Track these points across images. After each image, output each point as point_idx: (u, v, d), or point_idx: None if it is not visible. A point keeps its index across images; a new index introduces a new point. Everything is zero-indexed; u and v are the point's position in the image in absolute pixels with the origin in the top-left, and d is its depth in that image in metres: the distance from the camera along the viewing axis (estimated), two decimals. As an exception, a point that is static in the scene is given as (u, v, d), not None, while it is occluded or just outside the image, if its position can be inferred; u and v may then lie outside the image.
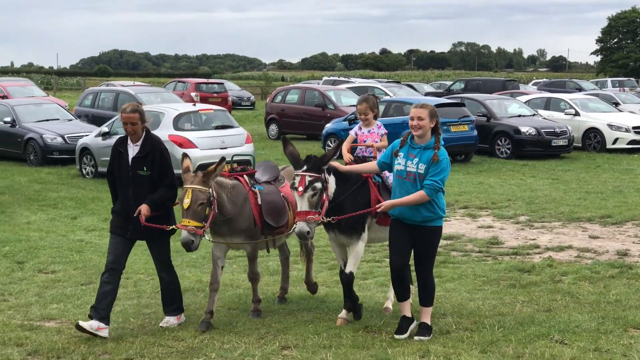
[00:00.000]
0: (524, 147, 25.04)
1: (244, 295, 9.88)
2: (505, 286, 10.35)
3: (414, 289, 8.99)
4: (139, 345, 8.03)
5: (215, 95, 42.10)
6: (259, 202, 8.78)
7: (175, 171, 8.75)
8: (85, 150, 21.11)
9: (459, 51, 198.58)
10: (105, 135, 20.52)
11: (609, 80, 58.52)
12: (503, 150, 25.34)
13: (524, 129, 25.08)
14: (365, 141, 9.09)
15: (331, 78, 50.81)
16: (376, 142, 9.05)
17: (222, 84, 46.73)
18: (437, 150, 7.91)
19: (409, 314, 8.24)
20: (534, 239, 13.50)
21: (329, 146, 25.05)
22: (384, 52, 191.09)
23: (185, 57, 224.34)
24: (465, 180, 20.45)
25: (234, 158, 9.98)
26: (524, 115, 26.39)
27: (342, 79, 48.97)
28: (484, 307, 9.31)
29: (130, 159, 8.44)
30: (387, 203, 8.08)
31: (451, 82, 52.73)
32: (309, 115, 30.55)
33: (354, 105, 26.26)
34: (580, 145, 27.08)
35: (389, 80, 54.99)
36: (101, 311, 8.32)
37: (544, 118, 26.79)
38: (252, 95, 54.31)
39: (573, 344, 7.88)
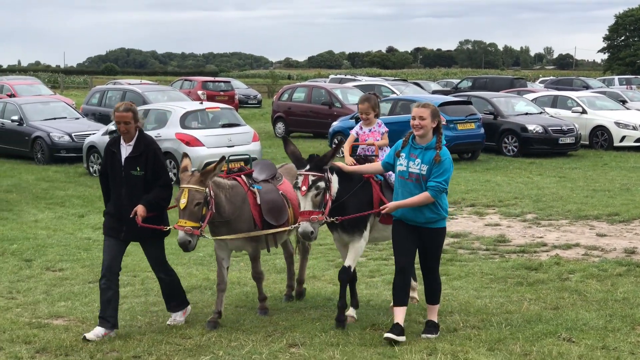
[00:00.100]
0: (531, 145, 25.00)
1: (251, 293, 9.89)
2: (512, 284, 10.34)
3: (416, 284, 9.00)
4: (146, 343, 8.05)
5: (222, 93, 42.08)
6: (258, 201, 8.70)
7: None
8: (92, 148, 21.14)
9: (465, 49, 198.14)
10: (112, 133, 20.52)
11: (616, 78, 58.34)
12: (510, 148, 25.30)
13: (531, 127, 25.04)
14: (366, 140, 9.05)
15: (338, 76, 50.87)
16: (377, 140, 9.00)
17: (229, 82, 46.69)
18: (439, 151, 7.85)
19: (402, 323, 7.98)
20: (541, 237, 13.48)
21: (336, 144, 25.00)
22: (390, 50, 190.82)
23: (192, 55, 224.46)
24: (472, 178, 20.43)
25: (231, 158, 9.88)
26: (531, 113, 26.34)
27: (348, 77, 49.00)
28: (491, 305, 9.30)
29: (123, 159, 8.34)
30: (391, 205, 8.01)
31: (458, 80, 52.65)
32: (315, 113, 30.53)
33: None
34: (587, 143, 27.02)
35: (396, 78, 54.84)
36: (110, 319, 8.34)
37: (551, 116, 26.73)
38: (258, 93, 54.28)
39: (581, 342, 7.88)
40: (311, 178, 7.98)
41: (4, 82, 41.38)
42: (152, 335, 8.31)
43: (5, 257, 12.19)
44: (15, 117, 24.23)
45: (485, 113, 25.41)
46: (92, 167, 21.16)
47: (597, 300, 9.47)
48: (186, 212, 8.01)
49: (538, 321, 8.55)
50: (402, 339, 7.86)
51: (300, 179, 8.03)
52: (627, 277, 10.66)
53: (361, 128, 9.13)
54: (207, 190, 8.14)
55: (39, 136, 23.48)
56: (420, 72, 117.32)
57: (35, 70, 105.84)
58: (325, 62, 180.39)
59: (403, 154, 8.01)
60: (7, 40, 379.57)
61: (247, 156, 9.89)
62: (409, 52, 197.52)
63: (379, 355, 7.60)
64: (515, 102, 27.50)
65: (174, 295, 8.82)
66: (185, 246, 8.05)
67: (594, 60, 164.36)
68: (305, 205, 7.99)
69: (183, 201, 8.01)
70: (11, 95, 34.01)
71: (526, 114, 26.25)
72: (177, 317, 8.79)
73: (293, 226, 8.80)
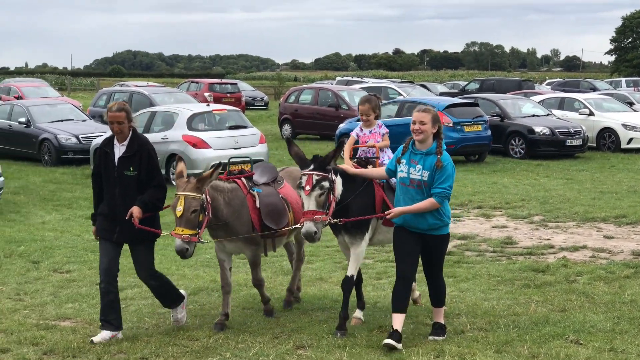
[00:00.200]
0: (538, 147, 24.98)
1: (258, 295, 9.86)
2: (519, 286, 10.33)
3: (415, 285, 8.95)
4: (153, 345, 8.05)
5: (228, 95, 42.17)
6: (258, 205, 8.61)
7: (193, 171, 8.70)
8: (99, 150, 21.12)
9: (472, 51, 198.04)
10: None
11: (623, 80, 58.24)
12: (517, 150, 25.28)
13: (538, 129, 25.01)
14: (367, 142, 8.96)
15: (344, 78, 50.82)
16: (378, 142, 8.92)
17: (236, 84, 46.77)
18: (440, 156, 7.76)
19: (400, 329, 7.87)
20: (548, 239, 13.46)
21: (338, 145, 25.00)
22: (397, 52, 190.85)
23: (199, 57, 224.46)
24: (479, 180, 20.42)
25: (232, 160, 9.82)
26: (537, 115, 26.32)
27: (355, 79, 48.97)
28: (499, 307, 9.29)
29: (116, 159, 8.27)
30: (396, 210, 7.89)
31: (465, 82, 52.61)
32: (322, 115, 30.55)
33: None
34: (594, 145, 26.98)
35: (403, 80, 54.86)
36: (114, 321, 8.32)
37: (558, 118, 26.71)
38: (265, 95, 54.36)
39: (588, 344, 7.86)
40: (315, 177, 7.92)
41: (11, 84, 41.54)
42: (160, 337, 8.31)
43: (13, 258, 12.21)
44: (23, 119, 24.29)
45: (492, 115, 25.40)
46: (99, 169, 21.15)
47: (604, 302, 9.46)
48: (183, 219, 7.92)
49: (545, 323, 8.53)
50: (399, 346, 7.79)
51: (304, 178, 7.97)
52: (635, 279, 10.64)
53: (361, 130, 9.03)
54: (204, 197, 8.04)
55: (46, 138, 23.52)
56: (426, 74, 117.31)
57: (43, 72, 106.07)
58: (332, 64, 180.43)
59: (403, 160, 7.93)
60: (14, 42, 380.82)
61: (249, 159, 9.86)
62: (416, 54, 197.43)
63: (385, 358, 7.60)
64: (522, 104, 27.48)
65: (168, 295, 8.67)
66: (183, 254, 7.98)
67: (601, 62, 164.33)
68: (309, 205, 7.92)
69: (179, 209, 7.91)
70: (18, 98, 34.12)
71: (533, 116, 26.24)
72: (179, 314, 8.69)
73: (294, 226, 8.75)
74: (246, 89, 52.09)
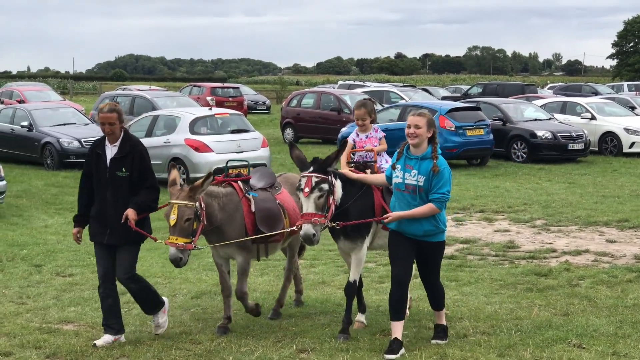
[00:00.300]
0: (540, 151, 24.99)
1: (261, 299, 9.90)
2: (522, 290, 10.32)
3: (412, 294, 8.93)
4: (156, 348, 8.05)
5: (230, 99, 42.17)
6: (253, 209, 8.52)
7: (196, 175, 8.64)
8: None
9: (474, 55, 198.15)
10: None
11: (625, 84, 58.14)
12: (519, 154, 25.28)
13: (540, 133, 25.02)
14: (364, 147, 8.90)
15: (346, 82, 50.78)
16: (375, 145, 8.88)
17: (238, 88, 46.81)
18: (436, 160, 7.68)
19: (400, 337, 7.84)
20: (550, 243, 13.46)
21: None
22: (399, 56, 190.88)
23: (201, 61, 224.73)
24: (481, 184, 20.42)
25: (229, 164, 9.73)
26: (540, 119, 26.33)
27: (357, 83, 48.95)
28: (501, 310, 9.29)
29: (108, 160, 8.21)
30: (394, 215, 7.79)
31: (467, 86, 52.59)
32: (324, 119, 30.57)
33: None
34: (596, 149, 26.99)
35: (405, 84, 54.87)
36: (114, 325, 8.31)
37: (560, 122, 26.72)
38: (267, 99, 54.38)
39: (591, 348, 7.86)
40: (314, 179, 7.85)
41: (13, 88, 41.61)
42: (162, 341, 8.31)
43: (16, 262, 12.22)
44: (25, 123, 24.31)
45: (494, 119, 25.42)
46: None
47: (607, 306, 9.45)
48: (176, 228, 7.87)
49: (548, 327, 8.53)
50: (402, 351, 7.76)
51: (304, 180, 7.90)
52: (638, 283, 10.63)
53: (357, 135, 8.96)
54: (197, 204, 7.98)
55: (48, 142, 23.54)
56: (428, 78, 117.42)
57: (45, 76, 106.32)
58: (334, 68, 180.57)
59: (398, 166, 7.83)
60: (16, 46, 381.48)
61: (246, 162, 9.81)
62: (418, 58, 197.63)
63: (388, 361, 7.59)
64: (524, 108, 27.49)
65: (149, 299, 8.51)
66: (177, 263, 7.92)
67: (602, 66, 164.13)
68: (308, 207, 7.83)
69: (173, 217, 7.86)
70: (21, 101, 34.18)
71: (535, 120, 26.25)
72: (160, 319, 8.54)
73: (287, 229, 8.66)
74: (248, 93, 52.10)
